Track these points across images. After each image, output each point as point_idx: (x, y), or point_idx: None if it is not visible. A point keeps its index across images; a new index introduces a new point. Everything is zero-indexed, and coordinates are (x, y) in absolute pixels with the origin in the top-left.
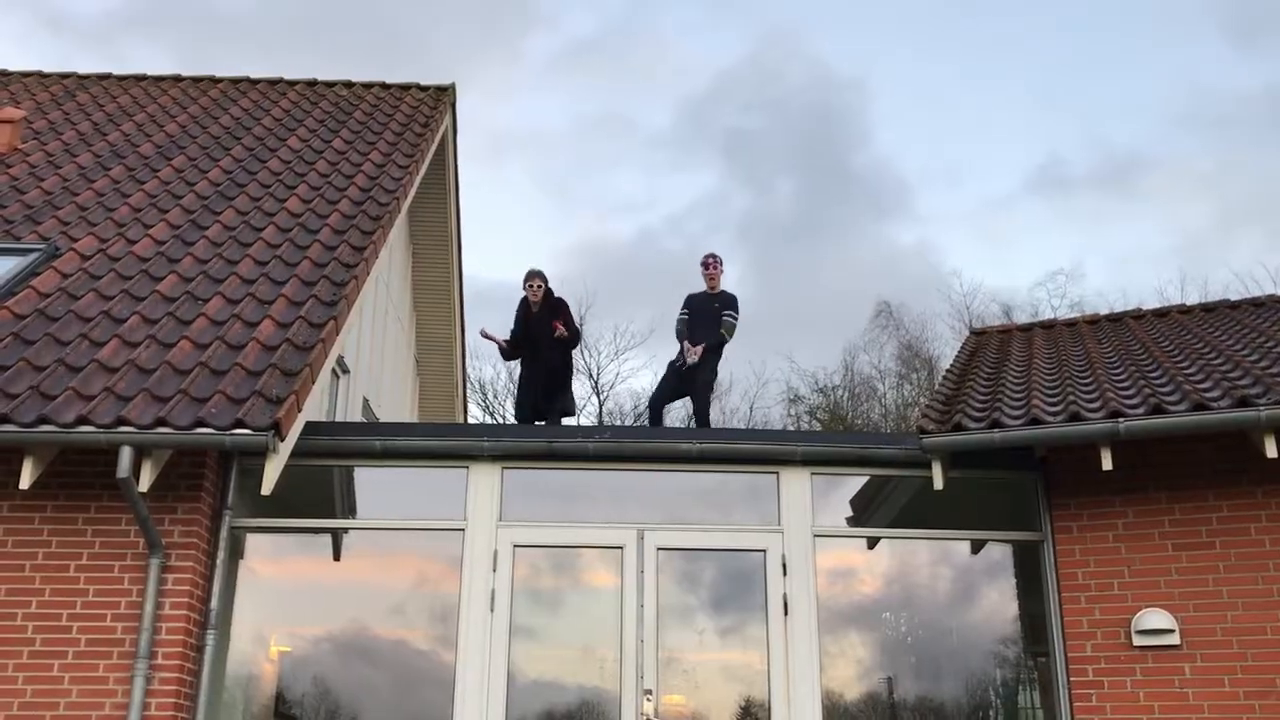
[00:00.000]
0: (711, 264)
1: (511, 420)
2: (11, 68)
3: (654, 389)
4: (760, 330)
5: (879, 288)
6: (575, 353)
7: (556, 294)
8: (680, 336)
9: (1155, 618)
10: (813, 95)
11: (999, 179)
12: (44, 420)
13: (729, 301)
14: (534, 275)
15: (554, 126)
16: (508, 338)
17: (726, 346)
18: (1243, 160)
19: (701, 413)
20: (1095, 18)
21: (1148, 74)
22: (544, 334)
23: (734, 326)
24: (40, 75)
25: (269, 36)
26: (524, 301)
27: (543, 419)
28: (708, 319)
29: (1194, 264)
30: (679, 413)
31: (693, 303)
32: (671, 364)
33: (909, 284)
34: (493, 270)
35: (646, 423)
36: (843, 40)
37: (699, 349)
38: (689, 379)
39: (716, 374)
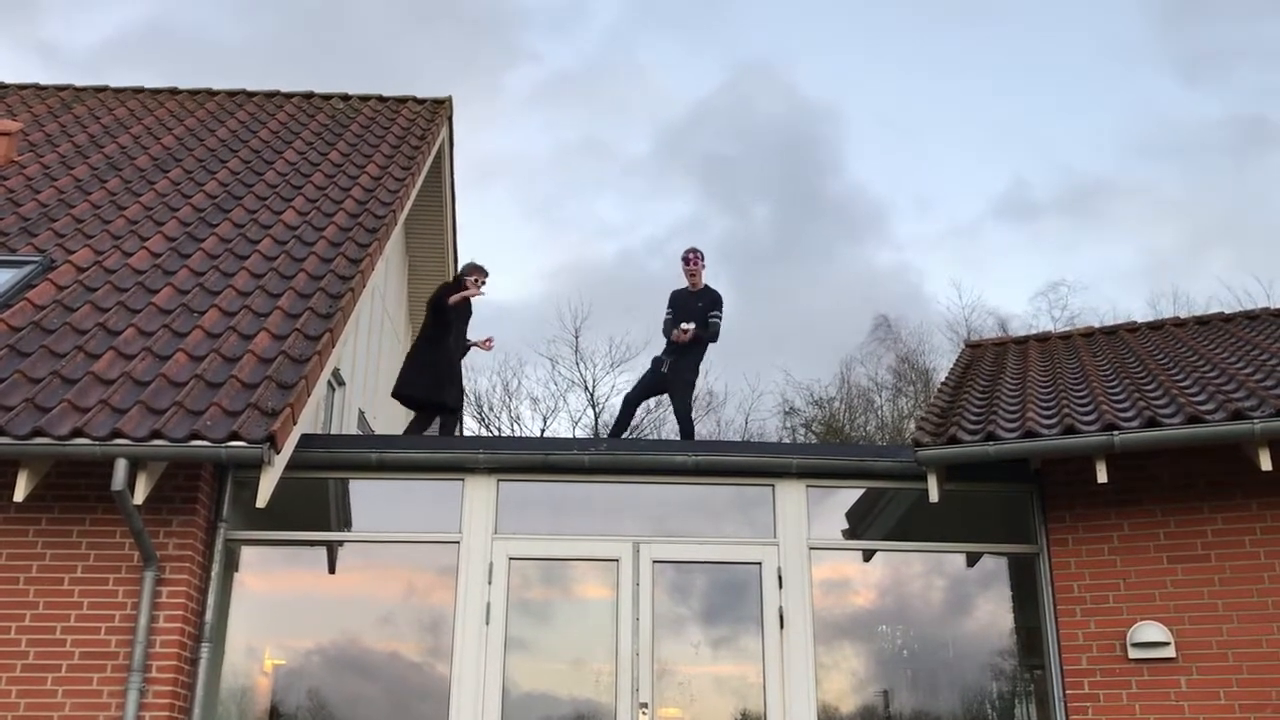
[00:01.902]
0: (693, 259)
1: (507, 433)
2: (8, 80)
3: (632, 385)
4: (744, 349)
5: (859, 308)
6: (571, 362)
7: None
8: (669, 334)
9: (1151, 630)
10: (786, 124)
11: (967, 205)
12: (39, 433)
13: (714, 301)
14: (481, 271)
15: (535, 155)
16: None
17: (711, 346)
18: (1210, 186)
19: (682, 412)
20: (1049, 55)
21: (1103, 108)
22: (462, 330)
23: (719, 328)
24: (37, 88)
25: (255, 71)
26: (456, 287)
27: (431, 407)
28: (693, 318)
29: (1167, 285)
30: (671, 426)
31: (677, 300)
32: (655, 360)
33: (886, 304)
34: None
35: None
36: (814, 72)
37: (690, 326)
38: (670, 377)
39: (698, 373)
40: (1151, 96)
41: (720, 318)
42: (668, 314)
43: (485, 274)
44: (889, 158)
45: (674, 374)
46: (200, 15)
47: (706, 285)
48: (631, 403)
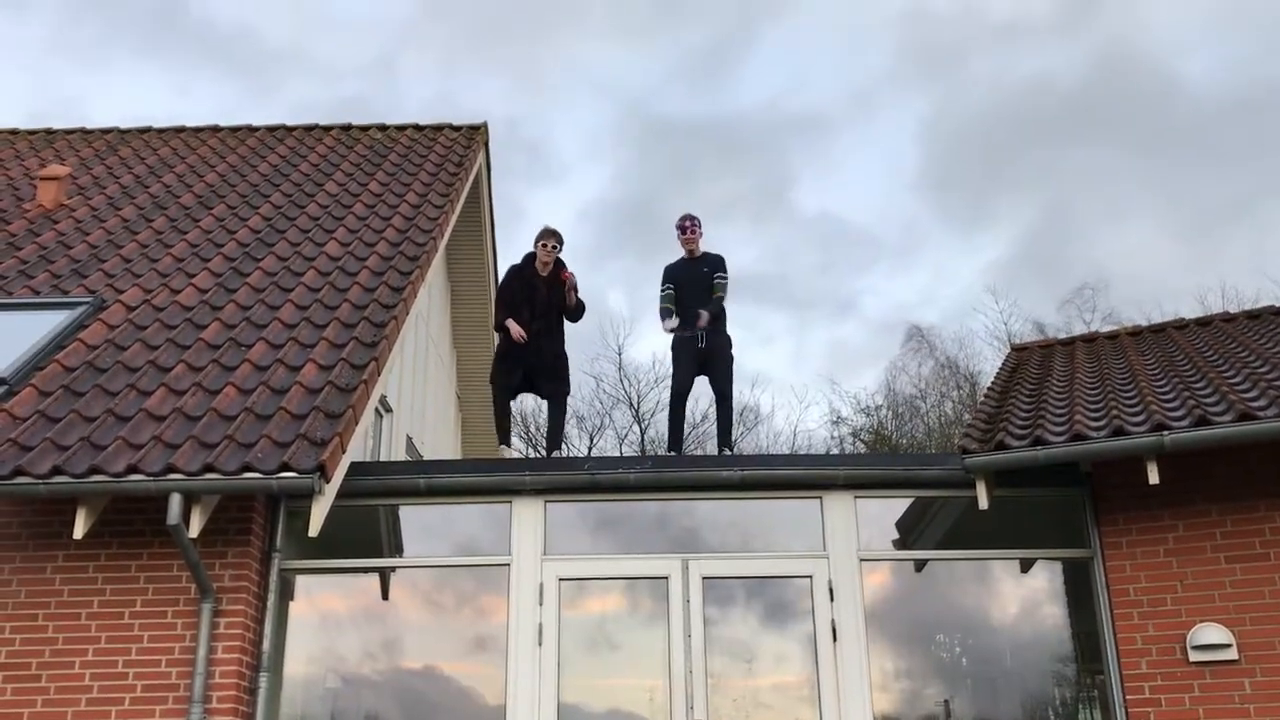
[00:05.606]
0: (689, 226)
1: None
2: (55, 125)
3: (673, 380)
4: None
5: (843, 327)
6: (615, 379)
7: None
8: (666, 316)
9: (1211, 632)
10: (758, 146)
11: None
12: (95, 470)
13: (717, 263)
14: (550, 234)
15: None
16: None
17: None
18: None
19: (724, 394)
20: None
21: None
22: (553, 306)
23: (726, 287)
24: (84, 132)
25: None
26: (529, 261)
27: (516, 393)
28: (698, 287)
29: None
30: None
31: (675, 273)
32: (679, 341)
33: (869, 324)
34: None
35: (668, 415)
36: (791, 110)
37: (705, 316)
38: (708, 361)
39: (731, 344)
40: None
41: (726, 278)
42: (666, 289)
43: (550, 235)
44: (853, 185)
45: (713, 350)
46: (199, 109)
47: (705, 251)
48: (681, 397)
